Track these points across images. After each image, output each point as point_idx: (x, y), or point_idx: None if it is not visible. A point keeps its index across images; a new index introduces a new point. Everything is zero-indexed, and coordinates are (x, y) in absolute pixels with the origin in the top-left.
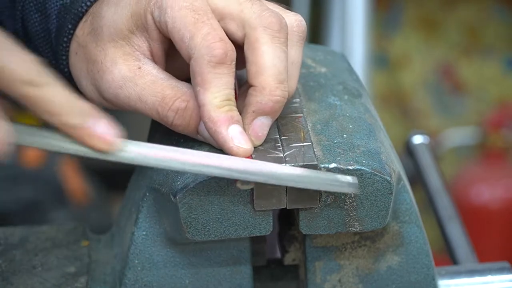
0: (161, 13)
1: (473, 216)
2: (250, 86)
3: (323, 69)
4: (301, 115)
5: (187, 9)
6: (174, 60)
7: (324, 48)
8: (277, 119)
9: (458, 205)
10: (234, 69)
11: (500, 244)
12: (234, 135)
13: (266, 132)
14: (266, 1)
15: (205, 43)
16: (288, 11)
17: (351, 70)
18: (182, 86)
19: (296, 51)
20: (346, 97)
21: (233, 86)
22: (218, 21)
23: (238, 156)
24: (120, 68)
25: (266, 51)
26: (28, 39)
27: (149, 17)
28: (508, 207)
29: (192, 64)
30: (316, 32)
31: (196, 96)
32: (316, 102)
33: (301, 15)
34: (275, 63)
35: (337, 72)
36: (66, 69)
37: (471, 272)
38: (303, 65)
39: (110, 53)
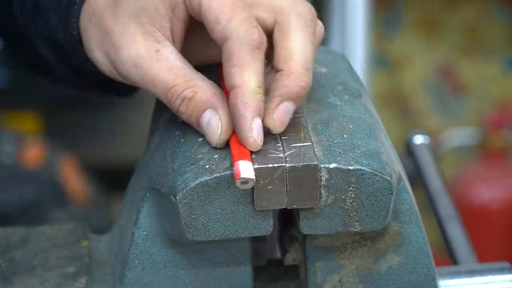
0: None
1: (473, 216)
2: (277, 71)
3: (323, 69)
4: (301, 115)
5: None
6: (189, 41)
7: (324, 48)
8: None
9: (458, 205)
10: (264, 57)
11: (500, 244)
12: (256, 127)
13: (289, 118)
14: None
15: (244, 27)
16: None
17: (351, 70)
18: (195, 77)
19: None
20: (346, 97)
21: (263, 73)
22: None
23: (249, 148)
24: (138, 47)
25: (297, 38)
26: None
27: None
28: (508, 207)
29: (228, 45)
30: None
31: (228, 78)
32: (316, 102)
33: None
34: (305, 51)
35: (337, 72)
36: (75, 32)
37: (471, 272)
38: None
39: (130, 29)
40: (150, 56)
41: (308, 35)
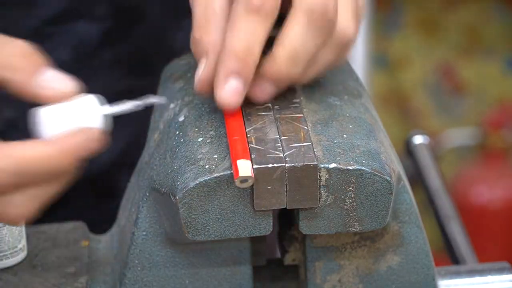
0: None
1: (473, 216)
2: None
3: None
4: (301, 115)
5: None
6: None
7: None
8: (277, 120)
9: (458, 205)
10: (268, 25)
11: (500, 244)
12: (228, 87)
13: (267, 97)
14: None
15: None
16: None
17: (351, 70)
18: (212, 21)
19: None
20: (346, 97)
21: (260, 40)
22: None
23: (222, 106)
24: None
25: (295, 27)
26: None
27: None
28: (508, 207)
29: (234, 3)
30: None
31: (225, 36)
32: (316, 102)
33: None
34: (295, 40)
35: (337, 72)
36: None
37: (471, 272)
38: None
39: None
40: None
41: (310, 31)
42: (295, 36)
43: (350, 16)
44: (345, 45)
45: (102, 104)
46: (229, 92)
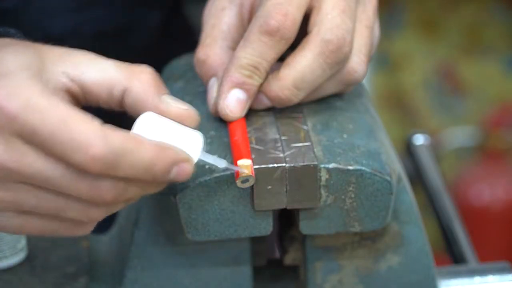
0: None
1: (473, 216)
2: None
3: None
4: (301, 115)
5: None
6: None
7: None
8: (277, 119)
9: (458, 205)
10: (281, 48)
11: (500, 244)
12: (231, 97)
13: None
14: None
15: (272, 11)
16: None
17: None
18: (216, 42)
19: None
20: (346, 97)
21: (269, 60)
22: (308, 6)
23: (222, 117)
24: None
25: (307, 56)
26: None
27: None
28: (508, 207)
29: (253, 19)
30: None
31: (237, 49)
32: (316, 102)
33: None
34: (305, 71)
35: None
36: None
37: (471, 272)
38: None
39: None
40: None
41: (321, 62)
42: (306, 62)
43: (363, 57)
44: (351, 83)
45: (204, 145)
46: (232, 101)
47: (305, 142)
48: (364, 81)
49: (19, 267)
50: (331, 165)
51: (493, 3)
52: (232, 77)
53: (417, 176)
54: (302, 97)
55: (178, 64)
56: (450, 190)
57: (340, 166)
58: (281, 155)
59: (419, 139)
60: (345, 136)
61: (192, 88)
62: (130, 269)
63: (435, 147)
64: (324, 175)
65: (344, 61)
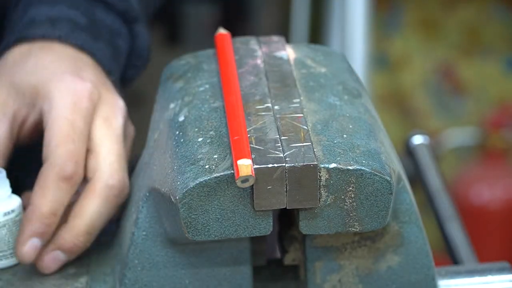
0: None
1: (473, 216)
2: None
3: (323, 69)
4: (301, 115)
5: (68, 122)
6: None
7: (324, 48)
8: (277, 119)
9: (458, 206)
10: (73, 191)
11: (500, 244)
12: (30, 245)
13: (57, 266)
14: None
15: (64, 157)
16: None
17: (351, 70)
18: None
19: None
20: (346, 97)
21: (65, 204)
22: (87, 149)
23: (20, 260)
24: None
25: (93, 203)
26: None
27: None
28: (508, 207)
29: (43, 167)
30: (316, 32)
31: (33, 194)
32: (316, 102)
33: (301, 15)
34: (93, 216)
35: (337, 72)
36: None
37: (471, 272)
38: (303, 65)
39: None
40: None
41: (107, 206)
42: (94, 208)
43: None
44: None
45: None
46: (30, 249)
47: (305, 142)
48: (364, 81)
49: (19, 267)
50: (331, 165)
51: (493, 3)
52: (34, 226)
53: (417, 176)
54: (93, 239)
55: (178, 64)
56: (450, 190)
57: (340, 166)
58: (281, 155)
59: (419, 139)
60: (345, 136)
61: (192, 88)
62: (130, 269)
63: (435, 147)
64: (324, 175)
65: (126, 196)
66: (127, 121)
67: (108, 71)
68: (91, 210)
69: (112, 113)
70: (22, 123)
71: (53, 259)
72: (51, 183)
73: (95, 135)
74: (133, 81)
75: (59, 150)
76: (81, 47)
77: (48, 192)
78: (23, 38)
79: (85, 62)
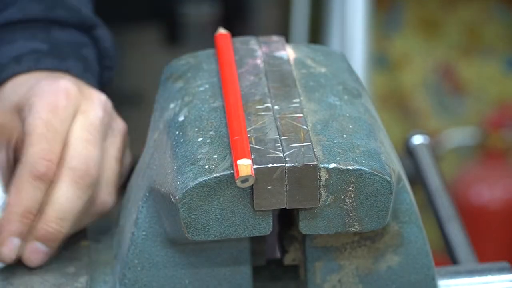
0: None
1: (473, 216)
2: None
3: (323, 69)
4: (301, 115)
5: (42, 121)
6: None
7: (324, 48)
8: (277, 119)
9: (458, 206)
10: (46, 188)
11: (500, 244)
12: (9, 244)
13: (40, 257)
14: None
15: (38, 156)
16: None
17: (351, 70)
18: None
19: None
20: (346, 97)
21: (39, 201)
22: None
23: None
24: None
25: (62, 189)
26: None
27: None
28: (508, 207)
29: (18, 167)
30: (316, 32)
31: (8, 194)
32: (316, 102)
33: (301, 15)
34: (64, 202)
35: (337, 72)
36: None
37: (471, 272)
38: (303, 65)
39: None
40: None
41: (74, 189)
42: (61, 193)
43: (112, 189)
44: (103, 214)
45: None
46: (10, 249)
47: (305, 142)
48: (364, 81)
49: (19, 267)
50: (331, 165)
51: (493, 3)
52: (11, 226)
53: (416, 176)
54: (69, 228)
55: (177, 64)
56: (450, 190)
57: (340, 166)
58: (281, 155)
59: (419, 139)
60: (345, 136)
61: (192, 88)
62: (130, 269)
63: (435, 147)
64: (324, 175)
65: (95, 184)
66: (111, 115)
67: (85, 83)
68: (57, 195)
69: (90, 105)
70: (16, 143)
71: (33, 251)
72: (25, 183)
73: (71, 129)
74: (111, 81)
75: (32, 149)
76: (53, 70)
77: (23, 192)
78: None
79: (61, 76)
